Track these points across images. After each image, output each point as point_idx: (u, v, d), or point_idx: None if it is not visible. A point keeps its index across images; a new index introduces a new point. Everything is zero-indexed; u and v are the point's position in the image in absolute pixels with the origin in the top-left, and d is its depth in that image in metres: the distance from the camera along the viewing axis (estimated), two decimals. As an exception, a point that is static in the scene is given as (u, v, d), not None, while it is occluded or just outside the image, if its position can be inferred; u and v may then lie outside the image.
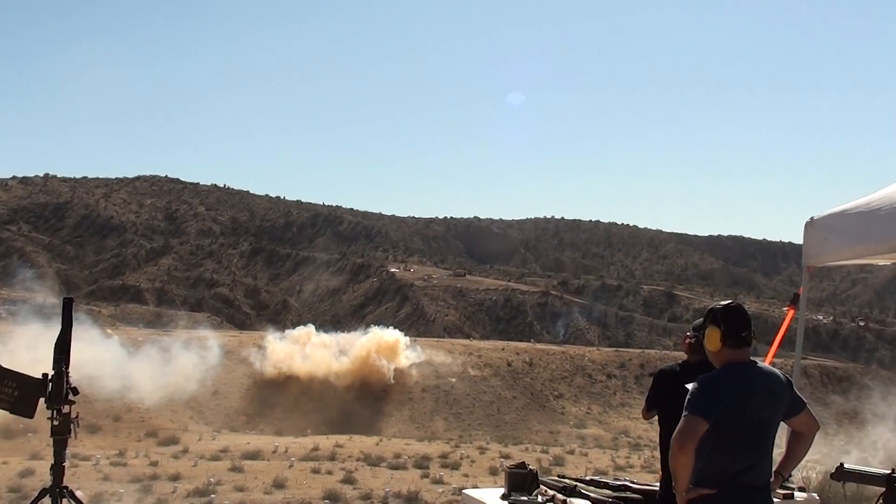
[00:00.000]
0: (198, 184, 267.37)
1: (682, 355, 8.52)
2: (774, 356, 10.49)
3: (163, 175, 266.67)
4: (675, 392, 7.22)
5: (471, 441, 66.22)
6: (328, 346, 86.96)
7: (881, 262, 10.25)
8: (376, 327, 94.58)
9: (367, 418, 76.18)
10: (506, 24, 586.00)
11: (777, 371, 6.35)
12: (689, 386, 6.09)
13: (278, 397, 77.07)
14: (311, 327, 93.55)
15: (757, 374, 6.20)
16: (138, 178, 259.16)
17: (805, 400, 6.49)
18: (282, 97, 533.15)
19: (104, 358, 62.60)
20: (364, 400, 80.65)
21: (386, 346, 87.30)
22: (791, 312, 10.43)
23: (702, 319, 6.71)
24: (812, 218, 9.68)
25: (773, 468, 6.42)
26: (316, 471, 43.68)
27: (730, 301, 6.53)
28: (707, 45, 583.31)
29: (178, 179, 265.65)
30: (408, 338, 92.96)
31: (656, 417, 8.45)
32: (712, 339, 6.27)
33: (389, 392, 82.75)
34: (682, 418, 5.93)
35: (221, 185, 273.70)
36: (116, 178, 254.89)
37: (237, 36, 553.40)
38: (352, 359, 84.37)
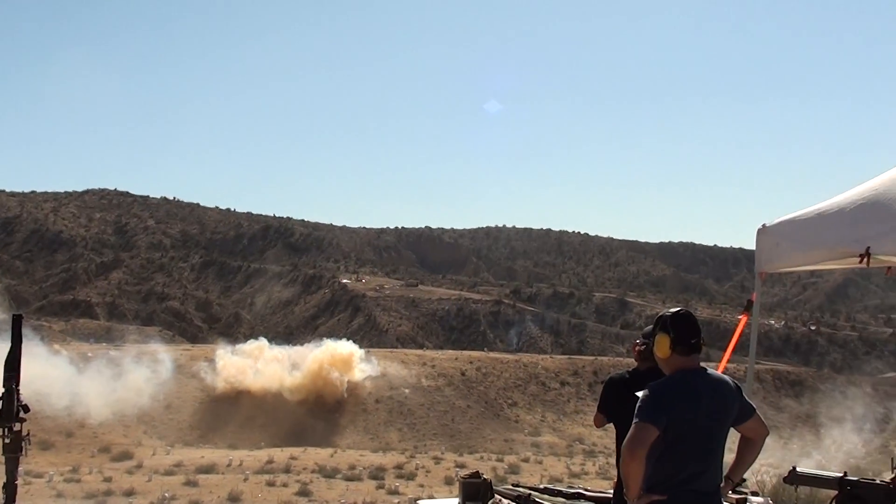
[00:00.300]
0: (147, 197, 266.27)
1: (634, 362, 8.54)
2: (728, 361, 10.56)
3: (112, 188, 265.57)
4: (625, 399, 7.24)
5: (426, 451, 66.28)
6: (280, 360, 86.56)
7: (834, 267, 10.33)
8: (329, 340, 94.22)
9: (321, 430, 76.00)
10: (454, 36, 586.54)
11: (726, 377, 6.36)
12: (640, 393, 6.11)
13: (232, 411, 76.76)
14: (263, 341, 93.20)
15: (706, 380, 6.20)
16: (87, 191, 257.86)
17: (755, 406, 6.51)
18: (231, 108, 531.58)
19: (53, 374, 62.24)
20: (318, 412, 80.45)
21: (340, 359, 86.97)
22: (744, 318, 10.48)
23: (652, 327, 6.73)
24: (764, 225, 9.74)
25: (724, 473, 6.45)
26: (271, 483, 43.64)
27: (679, 308, 6.52)
28: (661, 57, 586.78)
29: (127, 193, 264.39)
30: (362, 350, 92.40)
31: (607, 424, 8.47)
32: (662, 347, 6.26)
33: (343, 404, 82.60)
34: (633, 425, 5.93)
35: (171, 198, 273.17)
36: (65, 192, 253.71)
37: (186, 48, 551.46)
38: (304, 373, 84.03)
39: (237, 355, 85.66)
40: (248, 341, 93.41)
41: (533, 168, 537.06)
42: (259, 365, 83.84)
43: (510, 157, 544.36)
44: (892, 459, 9.38)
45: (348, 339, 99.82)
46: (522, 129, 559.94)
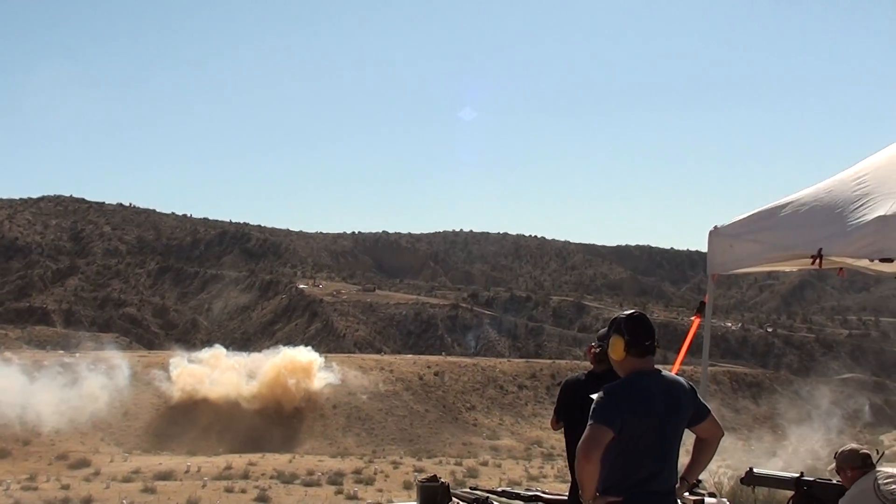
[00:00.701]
0: (103, 203, 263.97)
1: (591, 365, 8.56)
2: (683, 363, 10.61)
3: (67, 195, 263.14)
4: (581, 402, 7.24)
5: (384, 456, 66.26)
6: (237, 368, 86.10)
7: (787, 269, 10.39)
8: (287, 347, 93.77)
9: (279, 437, 75.90)
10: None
11: (681, 379, 6.40)
12: (594, 395, 6.14)
13: (189, 417, 76.56)
14: (220, 349, 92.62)
15: (661, 382, 6.23)
16: (42, 198, 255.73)
17: (710, 407, 6.56)
18: (187, 114, 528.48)
19: (5, 384, 62.06)
20: (276, 419, 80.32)
21: (300, 367, 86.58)
22: (697, 320, 10.52)
23: (606, 329, 6.77)
24: (716, 227, 9.78)
25: (679, 474, 6.48)
26: (229, 490, 43.55)
27: (633, 311, 6.56)
28: (616, 63, 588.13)
29: (83, 199, 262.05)
30: (322, 357, 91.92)
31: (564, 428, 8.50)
32: (616, 349, 6.29)
33: (301, 410, 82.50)
34: (588, 427, 5.95)
35: (127, 204, 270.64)
36: (20, 199, 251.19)
37: (141, 54, 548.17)
38: (262, 382, 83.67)
39: (194, 363, 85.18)
40: (205, 349, 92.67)
41: (490, 173, 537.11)
42: (216, 374, 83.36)
43: (469, 163, 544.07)
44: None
45: (306, 346, 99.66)
46: (481, 136, 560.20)
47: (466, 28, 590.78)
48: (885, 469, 7.94)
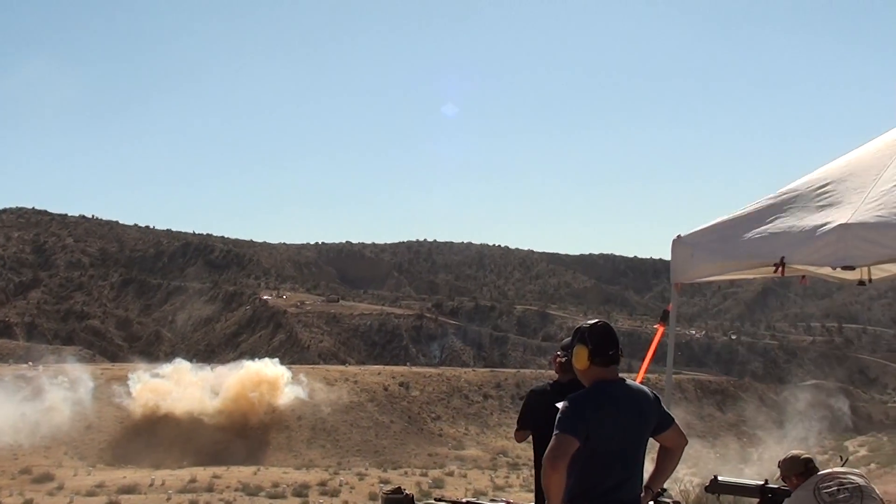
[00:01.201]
0: (66, 215, 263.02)
1: (556, 375, 8.53)
2: (648, 372, 10.61)
3: (29, 207, 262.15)
4: (546, 411, 7.25)
5: (349, 468, 66.11)
6: (201, 384, 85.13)
7: (750, 277, 10.40)
8: (252, 361, 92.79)
9: (243, 449, 75.57)
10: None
11: (645, 388, 6.40)
12: (559, 405, 6.13)
13: (153, 431, 76.15)
14: (183, 363, 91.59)
15: (625, 391, 6.23)
16: (4, 210, 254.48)
17: (673, 416, 6.57)
18: (150, 125, 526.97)
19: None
20: (240, 431, 80.00)
21: (266, 381, 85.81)
22: (661, 329, 10.51)
23: (571, 338, 6.77)
24: (679, 235, 9.78)
25: (644, 483, 6.49)
26: (194, 503, 43.36)
27: (597, 320, 6.56)
28: (576, 70, 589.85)
29: (45, 211, 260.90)
30: (289, 371, 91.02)
31: (530, 438, 8.46)
32: (580, 358, 6.29)
33: (266, 422, 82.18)
34: (553, 437, 5.93)
35: (90, 216, 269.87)
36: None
37: (103, 64, 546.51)
38: (226, 398, 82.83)
39: (156, 377, 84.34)
40: (165, 365, 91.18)
41: (453, 183, 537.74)
42: (178, 390, 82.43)
43: (433, 174, 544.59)
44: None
45: (271, 357, 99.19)
46: (448, 146, 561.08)
47: (436, 37, 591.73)
48: (832, 470, 7.97)
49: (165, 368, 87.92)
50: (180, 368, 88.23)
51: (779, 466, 8.26)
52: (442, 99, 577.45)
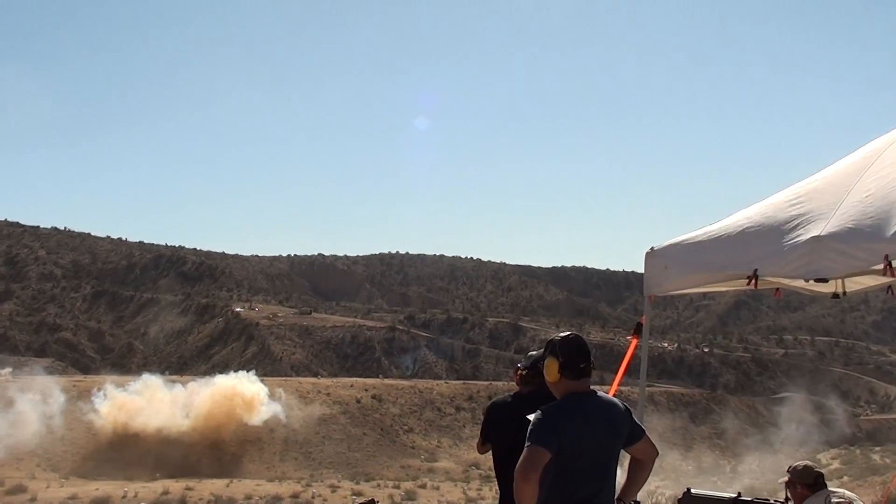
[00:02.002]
0: (38, 227, 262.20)
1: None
2: (620, 384, 10.63)
3: (2, 219, 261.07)
4: (507, 423, 7.30)
5: (322, 480, 66.03)
6: (171, 400, 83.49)
7: (724, 290, 10.44)
8: (226, 375, 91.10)
9: (215, 461, 75.35)
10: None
11: (616, 400, 6.41)
12: (531, 416, 6.13)
13: (126, 443, 75.85)
14: (154, 378, 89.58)
15: (596, 403, 6.25)
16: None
17: (645, 427, 6.59)
18: (122, 136, 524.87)
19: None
20: (213, 444, 79.71)
21: (242, 399, 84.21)
22: (634, 341, 10.53)
23: (537, 350, 6.81)
24: (652, 248, 9.80)
25: (616, 495, 6.51)
26: (166, 515, 43.30)
27: (568, 332, 6.57)
28: (548, 79, 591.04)
29: (17, 223, 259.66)
30: (265, 388, 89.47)
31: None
32: (551, 371, 6.29)
33: (238, 434, 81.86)
34: (525, 448, 5.93)
35: (62, 228, 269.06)
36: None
37: (75, 74, 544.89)
38: (197, 416, 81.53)
39: (127, 392, 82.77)
40: (134, 382, 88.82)
41: (425, 194, 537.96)
42: (149, 407, 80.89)
43: (404, 187, 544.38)
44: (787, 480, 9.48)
45: (245, 370, 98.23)
46: (419, 159, 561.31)
47: (408, 50, 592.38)
48: (838, 490, 8.01)
49: (135, 384, 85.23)
50: (151, 384, 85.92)
51: (788, 471, 8.28)
52: (414, 112, 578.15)
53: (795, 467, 8.24)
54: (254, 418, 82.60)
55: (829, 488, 8.06)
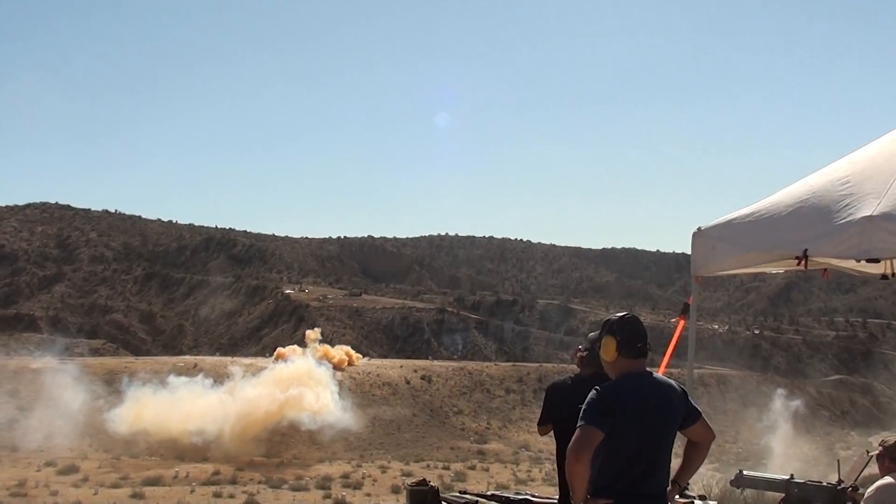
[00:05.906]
0: (89, 210, 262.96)
1: (577, 369, 8.49)
2: (668, 366, 10.57)
3: (53, 202, 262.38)
4: (568, 405, 7.25)
5: (372, 461, 66.14)
6: (223, 404, 77.23)
7: (772, 270, 10.36)
8: (283, 364, 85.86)
9: (265, 441, 75.24)
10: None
11: (672, 381, 6.39)
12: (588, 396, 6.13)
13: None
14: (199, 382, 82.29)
15: (652, 384, 6.25)
16: (28, 205, 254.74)
17: (701, 410, 6.55)
18: (172, 119, 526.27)
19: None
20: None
21: (304, 403, 79.18)
22: (682, 322, 10.46)
23: (596, 332, 6.78)
24: (699, 228, 9.73)
25: (671, 477, 6.48)
26: (218, 495, 43.52)
27: (625, 313, 6.59)
28: (599, 64, 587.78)
29: (69, 206, 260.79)
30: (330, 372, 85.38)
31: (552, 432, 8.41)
32: (608, 349, 6.31)
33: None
34: (578, 429, 5.94)
35: (113, 211, 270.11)
36: (6, 206, 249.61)
37: (124, 61, 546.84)
38: (253, 419, 76.09)
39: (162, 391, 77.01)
40: (173, 377, 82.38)
41: (475, 176, 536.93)
42: (191, 408, 72.62)
43: (454, 167, 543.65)
44: (838, 462, 9.43)
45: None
46: (466, 140, 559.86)
47: (443, 34, 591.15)
48: None
49: (176, 381, 77.75)
50: (194, 388, 77.33)
51: (881, 444, 8.22)
52: (448, 97, 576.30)
53: (887, 441, 8.19)
54: (323, 413, 78.46)
55: None
